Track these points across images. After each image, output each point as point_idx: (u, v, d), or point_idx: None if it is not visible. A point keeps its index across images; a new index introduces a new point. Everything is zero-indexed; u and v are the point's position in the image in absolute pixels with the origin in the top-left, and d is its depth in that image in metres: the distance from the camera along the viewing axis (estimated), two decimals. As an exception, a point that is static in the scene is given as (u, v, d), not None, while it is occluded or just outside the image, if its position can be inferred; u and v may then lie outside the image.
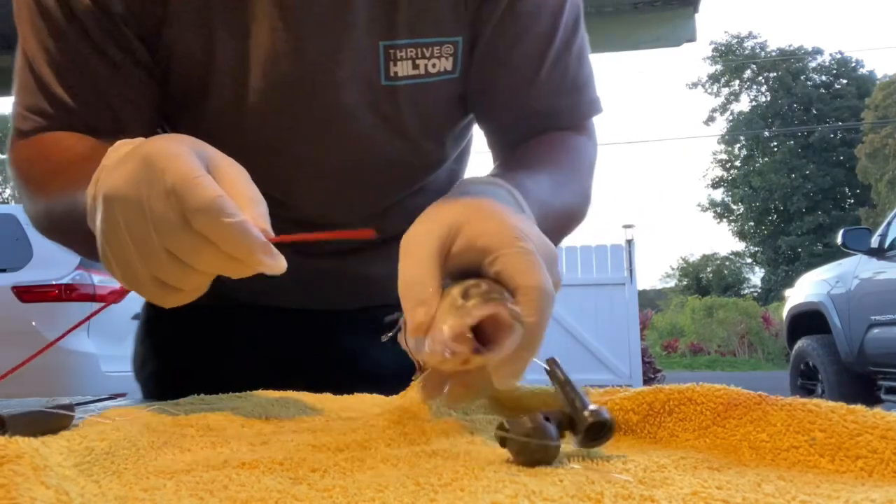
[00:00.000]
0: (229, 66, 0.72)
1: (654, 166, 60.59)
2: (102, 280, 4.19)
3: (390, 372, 0.61)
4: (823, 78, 31.05)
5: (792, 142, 30.37)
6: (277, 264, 0.48)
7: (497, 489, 0.31)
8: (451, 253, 0.50)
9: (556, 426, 0.39)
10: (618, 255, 8.12)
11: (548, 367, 0.45)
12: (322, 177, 0.80)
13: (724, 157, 32.78)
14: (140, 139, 0.54)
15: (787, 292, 6.89)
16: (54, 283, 4.07)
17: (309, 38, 0.71)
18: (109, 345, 4.13)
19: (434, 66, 0.75)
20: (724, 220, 32.67)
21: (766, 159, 30.77)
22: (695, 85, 33.51)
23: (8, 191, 30.57)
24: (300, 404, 0.62)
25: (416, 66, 0.74)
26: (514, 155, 0.77)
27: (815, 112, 30.06)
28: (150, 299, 0.51)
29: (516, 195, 0.60)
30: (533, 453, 0.37)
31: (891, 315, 4.86)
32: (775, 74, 31.19)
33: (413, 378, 0.61)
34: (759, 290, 30.62)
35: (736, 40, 32.51)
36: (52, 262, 4.04)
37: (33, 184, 0.69)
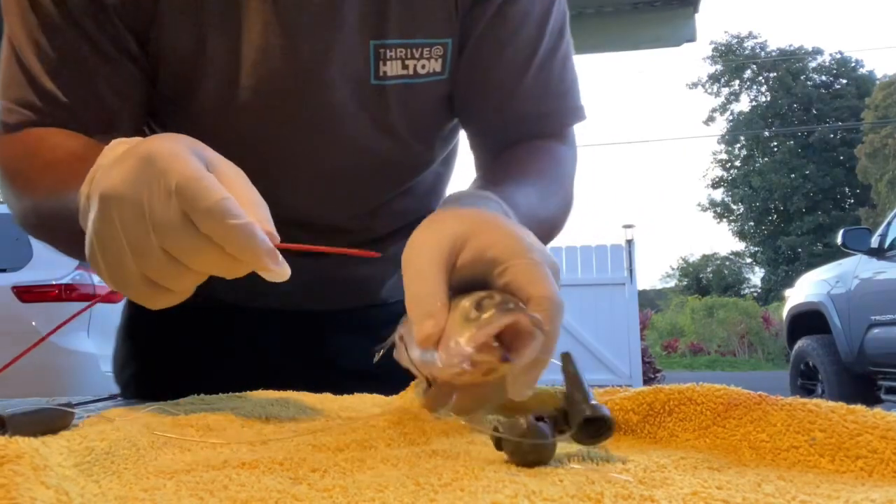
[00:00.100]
0: (220, 62, 0.72)
1: (654, 166, 60.60)
2: (102, 280, 4.19)
3: (378, 371, 0.61)
4: (823, 78, 31.05)
5: (792, 142, 30.37)
6: (282, 271, 0.47)
7: (497, 489, 0.31)
8: (456, 265, 0.50)
9: (552, 425, 0.39)
10: (618, 255, 8.12)
11: (562, 360, 0.45)
12: (311, 176, 0.80)
13: (724, 157, 32.78)
14: (137, 138, 0.54)
15: (787, 292, 6.89)
16: (54, 283, 4.07)
17: (301, 35, 0.71)
18: (109, 345, 4.11)
19: (423, 67, 0.75)
20: (724, 220, 32.67)
21: (766, 159, 30.77)
22: (695, 85, 33.51)
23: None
24: (300, 404, 0.62)
25: (405, 67, 0.75)
26: (498, 163, 0.78)
27: (815, 112, 30.06)
28: (137, 300, 0.50)
29: (506, 208, 0.60)
30: (526, 454, 0.37)
31: (891, 315, 4.86)
32: (775, 74, 31.19)
33: (418, 390, 0.60)
34: (759, 290, 30.62)
35: (736, 40, 32.52)
36: (52, 262, 4.03)
37: (20, 180, 0.68)
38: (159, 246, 0.46)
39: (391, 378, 0.60)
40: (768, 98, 31.25)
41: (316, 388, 0.72)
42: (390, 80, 0.75)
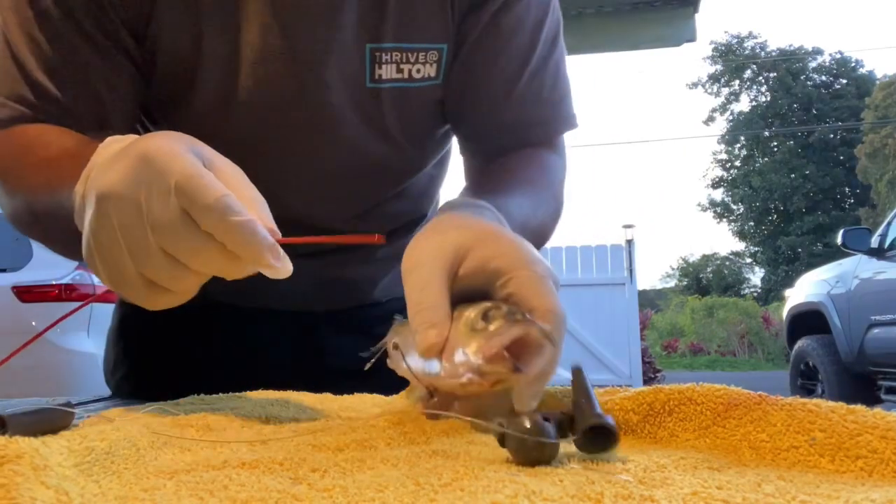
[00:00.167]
0: (217, 61, 0.72)
1: (654, 166, 60.61)
2: (101, 280, 4.18)
3: (372, 371, 0.61)
4: (823, 78, 31.05)
5: (792, 142, 30.37)
6: (284, 267, 0.47)
7: (497, 489, 0.31)
8: (458, 275, 0.50)
9: (556, 426, 0.39)
10: (618, 255, 8.13)
11: (573, 375, 0.45)
12: (306, 177, 0.80)
13: (724, 157, 32.78)
14: (132, 136, 0.53)
15: (787, 292, 6.89)
16: (54, 283, 4.07)
17: (300, 37, 0.71)
18: (109, 345, 4.12)
19: (419, 71, 0.76)
20: (724, 220, 32.67)
21: (766, 159, 30.77)
22: (695, 85, 33.51)
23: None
24: (300, 404, 0.62)
25: (400, 70, 0.75)
26: (489, 172, 0.78)
27: (815, 112, 30.06)
28: (137, 301, 0.49)
29: (500, 217, 0.61)
30: (530, 451, 0.37)
31: (891, 315, 4.86)
32: (775, 74, 31.19)
33: (413, 396, 0.60)
34: (759, 290, 30.63)
35: (736, 40, 32.52)
36: (52, 262, 4.03)
37: (12, 178, 0.67)
38: (158, 246, 0.45)
39: (387, 378, 0.60)
40: (768, 98, 31.25)
41: (310, 387, 0.72)
42: (385, 83, 0.75)
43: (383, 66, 0.74)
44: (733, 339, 19.69)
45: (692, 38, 5.23)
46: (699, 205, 35.39)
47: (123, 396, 0.92)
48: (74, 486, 0.31)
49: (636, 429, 0.47)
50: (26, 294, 4.07)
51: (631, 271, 8.11)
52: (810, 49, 31.56)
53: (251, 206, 0.47)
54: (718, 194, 32.80)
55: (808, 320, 5.88)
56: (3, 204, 0.70)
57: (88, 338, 4.05)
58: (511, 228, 0.59)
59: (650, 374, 8.39)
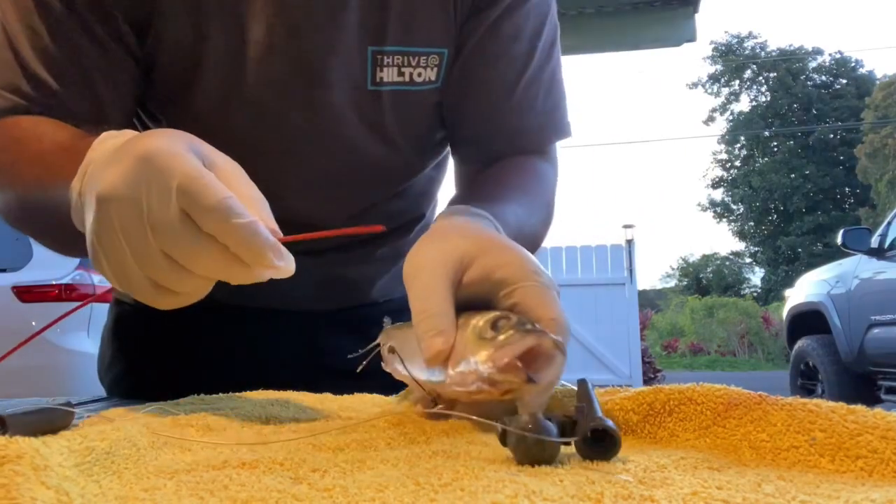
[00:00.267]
0: (220, 58, 0.72)
1: (654, 166, 60.62)
2: (102, 280, 4.19)
3: (368, 371, 0.61)
4: (823, 78, 31.05)
5: (792, 142, 30.37)
6: (287, 267, 0.47)
7: (497, 489, 0.31)
8: (462, 282, 0.51)
9: (559, 427, 0.38)
10: (618, 255, 8.12)
11: (578, 386, 0.45)
12: (304, 177, 0.80)
13: (724, 157, 32.79)
14: (128, 132, 0.53)
15: (787, 292, 6.89)
16: (54, 283, 4.07)
17: (304, 37, 0.71)
18: (109, 345, 4.12)
19: (420, 75, 0.76)
20: (724, 220, 32.68)
21: (766, 159, 30.77)
22: (695, 85, 33.53)
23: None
24: (300, 404, 0.62)
25: (401, 74, 0.76)
26: (483, 179, 0.78)
27: (815, 112, 30.06)
28: (144, 301, 0.49)
29: (498, 226, 0.61)
30: (530, 447, 0.37)
31: (891, 315, 4.86)
32: (775, 74, 31.19)
33: (412, 398, 0.60)
34: (759, 290, 30.62)
35: (736, 40, 32.52)
36: (52, 262, 4.03)
37: (3, 170, 0.66)
38: (159, 248, 0.45)
39: (387, 378, 0.60)
40: (768, 98, 31.25)
41: (310, 387, 0.72)
42: (386, 86, 0.76)
43: (385, 69, 0.75)
44: (733, 339, 19.69)
45: (692, 38, 5.22)
46: (699, 205, 35.42)
47: (120, 396, 0.91)
48: (75, 486, 0.31)
49: (636, 429, 0.47)
50: (26, 294, 4.06)
51: (631, 271, 8.11)
52: (810, 49, 31.58)
53: (252, 206, 0.46)
54: (718, 194, 32.84)
55: (808, 320, 5.88)
56: None
57: (88, 338, 4.05)
58: (506, 236, 0.59)
59: (650, 374, 8.39)
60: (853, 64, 30.86)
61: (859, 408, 0.39)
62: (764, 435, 0.40)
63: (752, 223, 31.52)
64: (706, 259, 33.73)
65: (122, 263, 0.47)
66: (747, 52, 32.15)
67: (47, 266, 4.07)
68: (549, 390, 0.45)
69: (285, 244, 0.47)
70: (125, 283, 0.48)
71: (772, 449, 0.39)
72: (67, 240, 0.62)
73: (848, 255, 5.56)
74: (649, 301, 26.10)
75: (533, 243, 0.76)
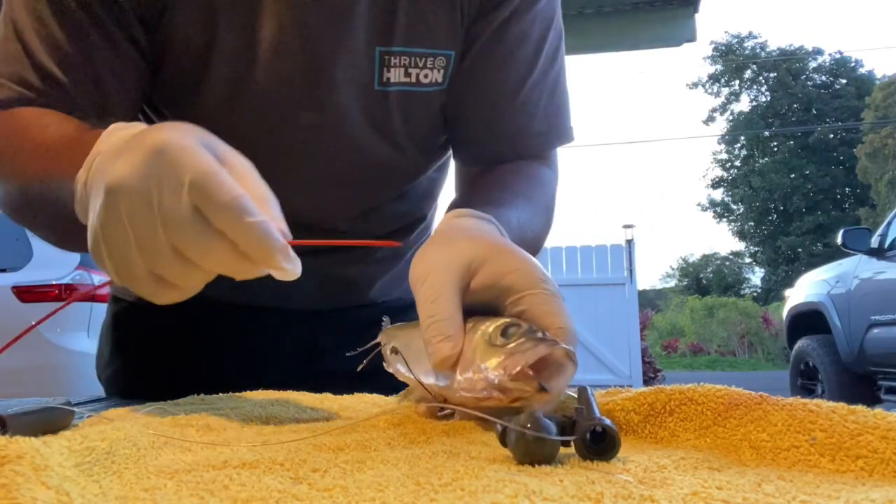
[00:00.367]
0: (230, 56, 0.72)
1: (654, 166, 60.62)
2: (103, 280, 4.19)
3: (369, 371, 0.61)
4: (823, 78, 31.05)
5: (792, 142, 30.38)
6: (294, 269, 0.46)
7: (497, 489, 0.31)
8: (469, 288, 0.51)
9: (558, 427, 0.38)
10: (618, 255, 8.12)
11: (578, 392, 0.45)
12: (309, 176, 0.80)
13: (724, 157, 32.80)
14: (138, 124, 0.52)
15: (787, 292, 6.88)
16: (54, 283, 4.07)
17: (314, 36, 0.72)
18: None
19: (426, 76, 0.76)
20: (724, 220, 32.69)
21: (766, 159, 30.78)
22: (695, 85, 33.54)
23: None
24: (300, 404, 0.62)
25: (407, 74, 0.76)
26: (484, 183, 0.79)
27: (815, 112, 30.06)
28: (143, 295, 0.48)
29: (503, 231, 0.62)
30: (529, 445, 0.37)
31: (891, 315, 4.86)
32: (775, 74, 31.19)
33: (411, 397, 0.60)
34: (759, 290, 30.63)
35: (736, 40, 32.52)
36: (52, 262, 4.03)
37: (5, 160, 0.65)
38: (168, 242, 0.44)
39: (387, 378, 0.60)
40: (768, 98, 31.26)
41: (310, 387, 0.72)
42: (393, 86, 0.76)
43: (392, 70, 0.75)
44: (733, 339, 19.69)
45: (692, 38, 5.22)
46: (699, 205, 35.43)
47: (118, 393, 0.91)
48: (75, 486, 0.31)
49: (637, 429, 0.47)
50: (26, 294, 4.06)
51: (631, 271, 8.10)
52: (810, 49, 31.58)
53: (263, 205, 0.46)
54: (718, 194, 32.84)
55: (808, 320, 5.88)
56: None
57: (88, 338, 4.05)
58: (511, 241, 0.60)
59: (650, 374, 8.39)
60: (853, 64, 30.87)
61: (859, 408, 0.39)
62: (764, 435, 0.40)
63: (752, 223, 31.52)
64: (706, 259, 33.74)
65: (125, 255, 0.46)
66: (747, 52, 32.15)
67: (47, 266, 4.07)
68: (558, 399, 0.45)
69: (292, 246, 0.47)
70: (126, 276, 0.47)
71: (772, 449, 0.39)
72: (67, 233, 0.61)
73: (848, 255, 5.56)
74: (649, 301, 26.10)
75: (534, 249, 0.76)
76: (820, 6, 76.51)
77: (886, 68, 51.95)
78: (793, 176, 29.45)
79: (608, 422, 0.39)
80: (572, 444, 0.38)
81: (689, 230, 59.07)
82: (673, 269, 35.85)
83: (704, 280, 32.71)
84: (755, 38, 32.56)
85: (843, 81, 30.47)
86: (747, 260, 32.66)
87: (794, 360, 6.14)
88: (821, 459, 0.37)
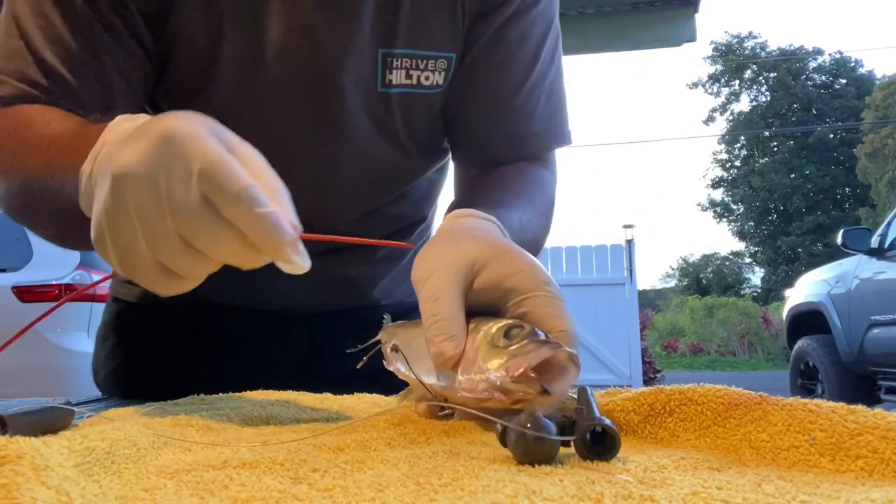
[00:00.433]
0: (237, 58, 0.72)
1: (654, 166, 60.63)
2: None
3: (370, 372, 0.61)
4: (823, 78, 31.04)
5: (792, 142, 30.38)
6: (302, 263, 0.45)
7: (497, 489, 0.31)
8: (473, 288, 0.51)
9: (558, 427, 0.39)
10: (618, 255, 8.12)
11: (578, 393, 0.45)
12: (312, 177, 0.80)
13: (724, 157, 32.80)
14: (143, 116, 0.51)
15: (787, 292, 6.88)
16: (54, 283, 4.06)
17: (321, 38, 0.72)
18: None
19: (427, 78, 0.77)
20: (724, 220, 32.69)
21: (766, 159, 30.78)
22: (695, 85, 33.53)
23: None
24: (300, 404, 0.62)
25: (409, 77, 0.76)
26: (485, 184, 0.79)
27: (815, 112, 30.06)
28: (147, 286, 0.46)
29: (505, 232, 0.62)
30: (529, 445, 0.37)
31: (891, 315, 4.86)
32: (775, 74, 31.19)
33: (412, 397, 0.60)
34: (759, 290, 30.63)
35: (736, 40, 32.52)
36: (52, 262, 4.03)
37: (7, 155, 0.64)
38: (175, 232, 0.43)
39: (387, 378, 0.60)
40: (768, 98, 31.25)
41: (308, 388, 0.72)
42: (395, 88, 0.76)
43: (394, 72, 0.75)
44: (733, 339, 19.69)
45: (692, 38, 5.22)
46: (699, 205, 35.43)
47: (118, 395, 0.91)
48: (75, 486, 0.31)
49: (637, 429, 0.47)
50: (26, 294, 4.06)
51: (631, 271, 8.10)
52: (810, 49, 31.57)
53: (273, 197, 0.45)
54: (718, 194, 32.84)
55: (808, 320, 5.88)
56: None
57: (88, 338, 4.04)
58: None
59: (650, 375, 8.38)
60: (853, 64, 30.86)
61: (859, 408, 0.39)
62: (764, 435, 0.40)
63: (752, 223, 31.52)
64: (706, 259, 33.74)
65: (130, 245, 0.44)
66: (747, 52, 32.15)
67: (47, 266, 4.07)
68: (560, 402, 0.45)
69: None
70: (130, 266, 0.45)
71: (772, 449, 0.39)
72: (70, 228, 0.61)
73: (848, 255, 5.56)
74: (649, 301, 26.10)
75: (533, 250, 0.76)
76: (820, 6, 76.57)
77: (886, 68, 51.99)
78: (793, 176, 29.45)
79: (608, 422, 0.39)
80: (572, 444, 0.38)
81: (689, 230, 59.15)
82: (673, 269, 35.88)
83: (704, 280, 32.72)
84: (755, 38, 32.57)
85: (843, 81, 30.47)
86: (747, 260, 32.68)
87: (794, 360, 6.14)
88: (821, 459, 0.37)
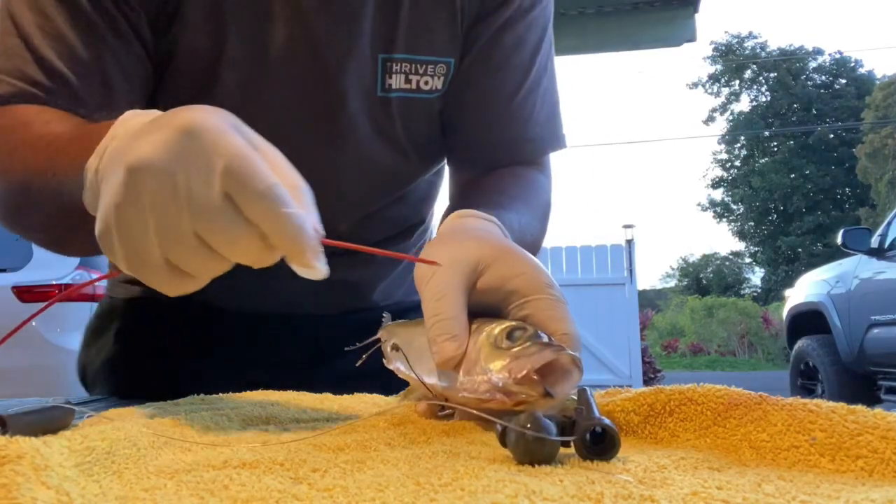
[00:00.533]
0: (239, 62, 0.72)
1: (654, 166, 60.63)
2: (103, 280, 4.17)
3: (369, 372, 0.61)
4: (823, 78, 31.04)
5: (792, 142, 30.38)
6: (322, 269, 0.43)
7: (497, 489, 0.31)
8: (476, 288, 0.51)
9: (558, 427, 0.39)
10: (618, 255, 8.12)
11: (577, 393, 0.45)
12: (313, 180, 0.80)
13: (724, 157, 32.79)
14: (155, 111, 0.49)
15: (787, 292, 6.89)
16: (54, 283, 4.06)
17: (324, 44, 0.72)
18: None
19: (426, 83, 0.77)
20: (724, 220, 32.68)
21: (766, 159, 30.78)
22: (695, 85, 33.51)
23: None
24: (300, 404, 0.62)
25: (408, 81, 0.77)
26: (481, 186, 0.79)
27: (815, 112, 30.06)
28: (154, 285, 0.44)
29: (507, 233, 0.62)
30: (529, 445, 0.37)
31: (891, 315, 4.86)
32: (775, 74, 31.19)
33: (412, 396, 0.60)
34: (759, 290, 30.62)
35: (736, 40, 32.52)
36: (52, 262, 4.03)
37: (4, 154, 0.62)
38: (191, 229, 0.41)
39: (387, 378, 0.60)
40: (768, 98, 31.25)
41: (308, 389, 0.72)
42: (394, 93, 0.77)
43: (393, 77, 0.76)
44: (733, 339, 19.68)
45: (692, 38, 5.22)
46: (699, 205, 35.42)
47: (109, 394, 0.91)
48: (75, 486, 0.31)
49: (637, 430, 0.47)
50: (26, 294, 4.06)
51: (631, 271, 8.10)
52: (810, 49, 31.57)
53: (297, 196, 0.43)
54: (718, 194, 32.84)
55: (808, 320, 5.88)
56: None
57: (88, 338, 4.04)
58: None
59: (650, 375, 8.39)
60: (853, 64, 30.86)
61: (859, 408, 0.39)
62: (764, 435, 0.40)
63: (752, 223, 31.52)
64: (706, 259, 33.74)
65: (139, 241, 0.42)
66: (747, 52, 32.15)
67: (47, 266, 4.07)
68: (562, 404, 0.45)
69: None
70: (138, 264, 0.43)
71: (772, 449, 0.39)
72: (67, 230, 0.60)
73: (848, 255, 5.56)
74: (649, 301, 26.10)
75: (532, 253, 0.77)
76: (820, 6, 76.58)
77: (886, 68, 52.00)
78: (793, 176, 29.45)
79: (608, 422, 0.39)
80: (572, 444, 0.38)
81: (689, 230, 59.16)
82: (673, 269, 35.87)
83: (704, 280, 32.71)
84: (755, 38, 32.56)
85: (843, 81, 30.47)
86: (747, 260, 32.68)
87: (794, 360, 6.14)
88: (821, 459, 0.37)
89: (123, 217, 0.42)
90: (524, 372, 0.44)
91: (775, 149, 31.01)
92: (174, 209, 0.40)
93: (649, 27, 5.17)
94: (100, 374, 0.91)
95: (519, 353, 0.45)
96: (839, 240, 5.39)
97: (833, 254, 9.29)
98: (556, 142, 0.85)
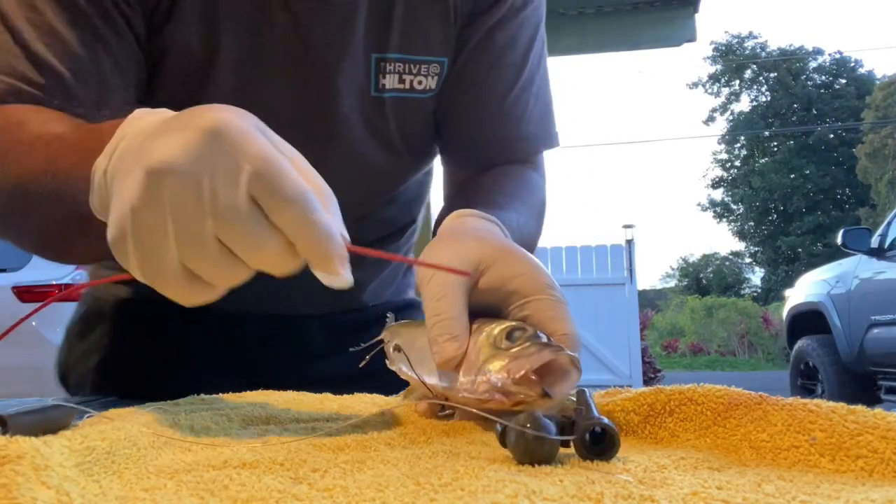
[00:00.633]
0: (233, 63, 0.72)
1: (654, 166, 60.62)
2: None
3: (371, 372, 0.61)
4: (823, 78, 31.04)
5: (792, 142, 30.38)
6: (347, 277, 0.42)
7: (497, 489, 0.31)
8: (477, 288, 0.51)
9: (558, 427, 0.39)
10: (618, 255, 8.12)
11: (577, 394, 0.45)
12: None
13: (724, 157, 32.80)
14: (166, 110, 0.47)
15: (787, 292, 6.89)
16: (54, 283, 4.07)
17: (318, 43, 0.72)
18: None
19: (420, 83, 0.77)
20: (724, 220, 32.68)
21: (766, 159, 30.78)
22: (695, 85, 33.51)
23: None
24: (300, 404, 0.62)
25: (401, 81, 0.77)
26: (477, 185, 0.79)
27: (815, 112, 30.06)
28: (169, 294, 0.42)
29: (507, 233, 0.62)
30: (529, 445, 0.37)
31: (891, 315, 4.86)
32: (775, 74, 31.19)
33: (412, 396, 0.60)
34: (759, 290, 30.62)
35: (736, 40, 32.52)
36: (52, 262, 4.03)
37: None
38: (214, 234, 0.39)
39: (387, 378, 0.60)
40: (768, 98, 31.25)
41: (308, 388, 0.71)
42: (388, 92, 0.77)
43: (387, 76, 0.76)
44: (733, 339, 19.68)
45: (692, 38, 5.22)
46: (699, 205, 35.40)
47: (93, 394, 0.90)
48: (75, 485, 0.31)
49: (637, 429, 0.47)
50: (26, 294, 4.06)
51: (631, 271, 8.10)
52: (810, 49, 31.57)
53: (324, 203, 0.41)
54: (718, 194, 32.84)
55: (808, 320, 5.88)
56: None
57: (88, 338, 4.03)
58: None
59: (650, 374, 8.38)
60: (853, 64, 30.86)
61: (859, 408, 0.39)
62: (764, 435, 0.40)
63: (752, 223, 31.52)
64: (706, 259, 33.74)
65: (157, 248, 0.40)
66: (747, 52, 32.15)
67: (47, 266, 4.07)
68: (560, 404, 0.45)
69: None
70: (153, 272, 0.41)
71: (772, 449, 0.39)
72: (66, 235, 0.58)
73: (848, 255, 5.56)
74: (649, 301, 26.09)
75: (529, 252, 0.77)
76: (820, 6, 76.58)
77: (886, 68, 52.00)
78: (793, 176, 29.45)
79: (608, 422, 0.39)
80: (572, 444, 0.38)
81: (689, 230, 59.15)
82: (673, 269, 35.86)
83: (704, 280, 32.71)
84: (755, 38, 32.56)
85: (843, 81, 30.47)
86: (747, 260, 32.68)
87: (794, 360, 6.14)
88: (821, 459, 0.37)
89: (141, 221, 0.40)
90: (522, 372, 0.44)
91: (775, 149, 31.01)
92: (197, 213, 0.39)
93: (649, 27, 5.17)
94: (88, 377, 0.89)
95: (518, 353, 0.45)
96: (839, 240, 5.39)
97: (833, 254, 9.29)
98: (550, 140, 0.86)
